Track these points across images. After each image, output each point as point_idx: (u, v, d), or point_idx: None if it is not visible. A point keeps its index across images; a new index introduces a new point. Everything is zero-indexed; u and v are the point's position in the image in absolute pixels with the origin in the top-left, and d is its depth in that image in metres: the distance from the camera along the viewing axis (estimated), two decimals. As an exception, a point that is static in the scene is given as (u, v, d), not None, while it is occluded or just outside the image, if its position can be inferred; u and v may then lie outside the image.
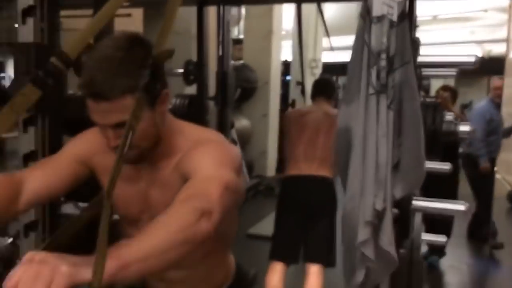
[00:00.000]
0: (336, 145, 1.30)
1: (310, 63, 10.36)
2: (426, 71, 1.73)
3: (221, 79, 3.17)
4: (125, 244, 0.87)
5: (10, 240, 2.38)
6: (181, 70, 3.06)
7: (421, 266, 1.65)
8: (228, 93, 3.26)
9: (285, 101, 9.96)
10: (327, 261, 3.01)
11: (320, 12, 9.33)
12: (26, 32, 1.63)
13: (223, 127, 3.23)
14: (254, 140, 8.19)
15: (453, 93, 4.84)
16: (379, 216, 1.16)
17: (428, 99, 1.74)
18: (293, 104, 10.19)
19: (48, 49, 1.63)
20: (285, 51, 9.92)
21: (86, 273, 0.78)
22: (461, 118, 4.77)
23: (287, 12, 9.36)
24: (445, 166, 1.74)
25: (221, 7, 3.04)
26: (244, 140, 7.65)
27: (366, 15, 1.13)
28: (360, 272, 1.21)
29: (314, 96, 3.19)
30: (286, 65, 10.05)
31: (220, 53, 3.09)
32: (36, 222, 1.83)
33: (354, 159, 1.17)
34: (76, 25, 3.03)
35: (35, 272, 0.75)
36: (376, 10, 1.07)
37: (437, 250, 4.47)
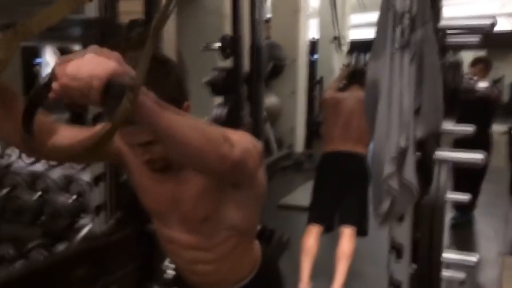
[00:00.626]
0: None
1: (335, 40, 10.42)
2: (449, 39, 1.90)
3: (254, 53, 3.39)
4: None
5: (74, 197, 2.69)
6: (218, 45, 3.27)
7: (443, 215, 1.84)
8: (261, 67, 3.50)
9: (313, 79, 10.10)
10: (359, 226, 3.27)
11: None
12: (91, 7, 1.87)
13: (257, 98, 3.45)
14: (283, 116, 8.37)
15: (486, 63, 4.90)
16: (402, 153, 1.37)
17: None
18: (320, 81, 10.31)
19: (111, 22, 1.87)
20: (312, 29, 10.00)
21: (130, 71, 0.81)
22: (494, 94, 4.81)
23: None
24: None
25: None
26: (273, 117, 7.84)
27: None
28: (386, 202, 1.42)
29: (349, 84, 3.52)
30: (313, 44, 10.13)
31: (253, 29, 3.31)
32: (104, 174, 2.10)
33: (381, 107, 1.38)
34: None
35: (88, 57, 0.79)
36: None
37: (466, 209, 4.71)
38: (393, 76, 1.36)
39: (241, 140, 1.09)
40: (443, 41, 1.74)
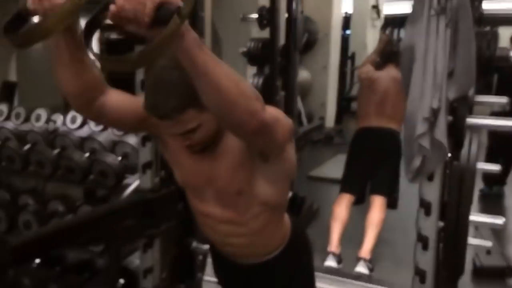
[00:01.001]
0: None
1: (371, 14, 10.28)
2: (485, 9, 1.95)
3: (290, 25, 3.47)
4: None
5: (119, 158, 2.87)
6: (255, 16, 3.36)
7: (473, 179, 1.92)
8: (297, 39, 3.58)
9: (345, 54, 10.04)
10: (389, 197, 3.37)
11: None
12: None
13: (291, 70, 3.55)
14: (314, 91, 8.40)
15: None
16: (435, 114, 1.45)
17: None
18: (352, 57, 10.25)
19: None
20: (345, 4, 9.89)
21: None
22: None
23: (349, -37, 9.29)
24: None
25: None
26: (304, 91, 7.89)
27: None
28: (417, 159, 1.52)
29: (384, 63, 3.55)
30: (346, 19, 10.03)
31: (289, 1, 3.39)
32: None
33: (416, 69, 1.47)
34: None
35: None
36: None
37: (496, 183, 4.79)
38: (429, 40, 1.44)
39: (273, 111, 1.13)
40: (479, 11, 1.79)
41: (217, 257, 1.59)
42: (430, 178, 1.70)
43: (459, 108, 1.73)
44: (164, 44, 0.86)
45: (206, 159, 1.32)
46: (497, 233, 4.02)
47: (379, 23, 10.62)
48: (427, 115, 1.46)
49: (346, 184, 3.53)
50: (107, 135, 3.06)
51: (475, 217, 2.03)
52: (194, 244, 2.51)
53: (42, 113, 3.37)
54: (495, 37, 1.92)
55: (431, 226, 1.77)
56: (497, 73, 4.71)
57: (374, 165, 3.44)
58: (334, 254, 3.14)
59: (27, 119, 3.38)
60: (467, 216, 1.91)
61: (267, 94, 3.31)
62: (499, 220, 2.09)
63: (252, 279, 1.51)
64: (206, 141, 1.26)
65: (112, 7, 0.85)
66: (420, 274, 1.79)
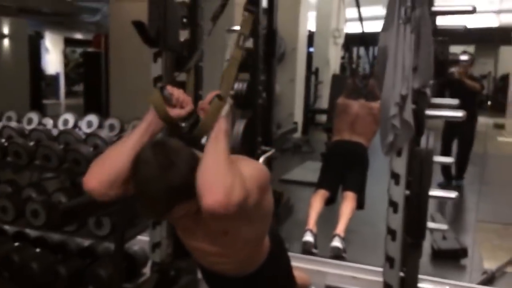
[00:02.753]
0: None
1: (333, 32, 10.93)
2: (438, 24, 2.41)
3: (271, 36, 3.90)
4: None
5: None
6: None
7: (431, 167, 2.36)
8: (275, 48, 4.03)
9: (309, 70, 10.62)
10: (358, 193, 3.90)
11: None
12: None
13: (272, 74, 3.97)
14: (282, 102, 8.88)
15: (471, 57, 5.73)
16: (403, 99, 1.89)
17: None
18: (316, 72, 10.83)
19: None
20: (310, 22, 10.46)
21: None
22: (477, 86, 5.47)
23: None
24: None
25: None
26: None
27: None
28: (390, 136, 1.95)
29: (356, 97, 4.28)
30: (310, 37, 10.60)
31: (270, 13, 3.83)
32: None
33: (389, 65, 1.90)
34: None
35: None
36: None
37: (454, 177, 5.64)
38: (398, 43, 1.89)
39: (247, 174, 1.31)
40: (434, 24, 2.26)
41: (205, 271, 1.75)
42: (399, 154, 2.13)
43: (420, 101, 2.18)
44: (212, 117, 1.33)
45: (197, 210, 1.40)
46: (452, 223, 4.57)
47: (341, 40, 11.30)
48: (397, 100, 1.90)
49: (322, 182, 4.10)
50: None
51: (433, 192, 2.48)
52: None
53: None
54: (447, 45, 2.39)
55: (399, 193, 2.19)
56: (449, 90, 5.40)
57: (345, 170, 4.05)
58: (311, 231, 3.63)
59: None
60: (427, 188, 2.35)
61: (250, 97, 3.71)
62: (452, 194, 2.55)
63: (240, 286, 1.68)
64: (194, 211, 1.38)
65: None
66: (391, 233, 2.22)
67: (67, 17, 10.82)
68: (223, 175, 1.23)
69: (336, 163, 4.14)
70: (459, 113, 2.40)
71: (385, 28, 1.94)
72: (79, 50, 16.38)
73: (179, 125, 1.44)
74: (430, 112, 2.32)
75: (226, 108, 1.37)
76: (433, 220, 4.19)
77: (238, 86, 3.91)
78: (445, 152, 5.37)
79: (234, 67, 1.43)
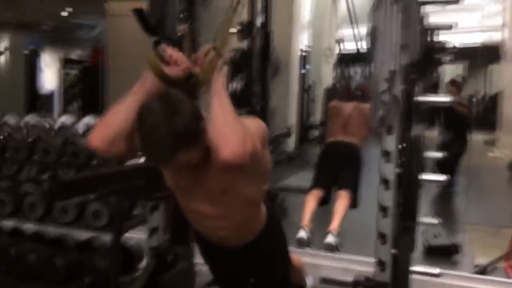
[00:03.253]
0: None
1: (325, 51, 11.16)
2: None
3: (266, 37, 4.05)
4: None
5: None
6: (235, 30, 3.91)
7: (422, 158, 2.47)
8: (270, 48, 4.19)
9: (303, 87, 10.79)
10: (352, 191, 3.97)
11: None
12: None
13: (267, 75, 4.12)
14: (277, 116, 8.96)
15: (458, 86, 6.29)
16: (392, 76, 2.00)
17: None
18: (308, 90, 11.00)
19: None
20: (304, 41, 10.64)
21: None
22: (464, 109, 5.81)
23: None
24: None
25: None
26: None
27: None
28: (381, 110, 2.05)
29: (348, 100, 4.40)
30: (303, 56, 10.78)
31: (266, 15, 3.99)
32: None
33: (379, 43, 2.01)
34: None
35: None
36: None
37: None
38: (387, 22, 2.00)
39: (252, 128, 1.44)
40: (419, 13, 2.37)
41: (202, 243, 1.80)
42: (389, 131, 2.22)
43: (410, 90, 2.28)
44: (209, 69, 1.39)
45: (199, 166, 1.49)
46: (444, 226, 4.64)
47: (332, 60, 11.53)
48: (386, 76, 2.00)
49: (316, 182, 4.17)
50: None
51: (425, 176, 2.57)
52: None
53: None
54: (434, 33, 2.51)
55: (390, 170, 2.27)
56: (443, 112, 5.77)
57: (338, 169, 4.11)
58: (305, 228, 3.68)
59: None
60: (418, 170, 2.44)
61: (246, 96, 3.84)
62: (442, 177, 2.64)
63: (236, 258, 1.73)
64: (192, 162, 1.45)
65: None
66: (383, 210, 2.29)
67: (65, 34, 10.98)
68: (235, 128, 1.33)
69: (330, 164, 4.20)
70: (446, 98, 2.51)
71: (375, 8, 2.06)
72: (73, 71, 16.52)
73: (175, 83, 1.47)
74: (419, 98, 2.44)
75: (222, 61, 1.44)
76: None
77: (233, 85, 4.05)
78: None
79: (228, 25, 1.55)
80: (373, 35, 2.07)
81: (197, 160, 1.43)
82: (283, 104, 9.19)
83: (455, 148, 5.83)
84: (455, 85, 6.17)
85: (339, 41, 11.23)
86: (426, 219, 3.03)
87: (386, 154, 2.26)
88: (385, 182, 2.28)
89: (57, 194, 1.96)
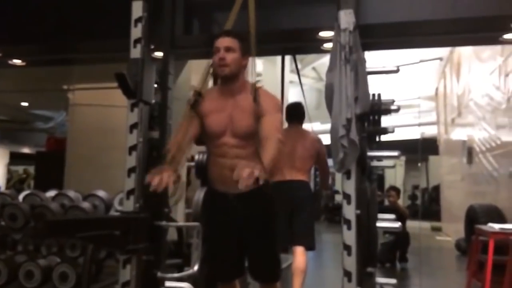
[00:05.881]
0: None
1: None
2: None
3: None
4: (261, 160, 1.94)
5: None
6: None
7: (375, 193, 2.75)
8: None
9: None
10: (308, 244, 3.93)
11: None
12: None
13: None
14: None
15: (397, 191, 7.06)
16: (349, 122, 2.31)
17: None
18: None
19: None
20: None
21: None
22: (404, 212, 6.72)
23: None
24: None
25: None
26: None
27: (337, 28, 2.41)
28: (340, 154, 2.33)
29: (289, 121, 4.04)
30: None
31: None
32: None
33: (335, 96, 2.34)
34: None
35: None
36: (343, 24, 2.36)
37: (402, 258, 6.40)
38: (341, 79, 2.37)
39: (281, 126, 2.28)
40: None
41: (213, 195, 2.44)
42: (348, 176, 2.50)
43: (362, 144, 2.61)
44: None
45: (228, 108, 2.29)
46: None
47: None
48: (344, 123, 2.32)
49: None
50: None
51: (380, 223, 2.83)
52: (159, 274, 2.95)
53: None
54: (380, 97, 2.91)
55: (351, 212, 2.51)
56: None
57: (291, 216, 3.84)
58: None
59: None
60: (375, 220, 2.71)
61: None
62: (396, 224, 2.89)
63: (239, 204, 2.31)
64: (232, 73, 2.27)
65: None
66: (347, 249, 2.48)
67: (21, 124, 11.02)
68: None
69: (282, 212, 3.60)
70: (395, 153, 2.85)
71: (330, 69, 2.44)
72: (20, 167, 16.27)
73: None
74: (370, 153, 2.77)
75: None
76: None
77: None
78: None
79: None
80: (329, 91, 2.42)
81: (233, 65, 2.26)
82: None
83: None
84: (395, 190, 6.94)
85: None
86: (384, 279, 3.21)
87: (346, 197, 2.51)
88: (347, 222, 2.50)
89: (42, 231, 2.04)
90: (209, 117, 2.31)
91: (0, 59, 3.89)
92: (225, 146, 2.29)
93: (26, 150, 15.28)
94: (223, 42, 2.25)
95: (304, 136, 3.94)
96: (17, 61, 4.03)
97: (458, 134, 10.08)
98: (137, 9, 2.94)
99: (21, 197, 3.78)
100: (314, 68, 13.01)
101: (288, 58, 6.17)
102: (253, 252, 2.43)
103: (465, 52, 8.78)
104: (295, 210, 3.87)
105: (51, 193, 3.81)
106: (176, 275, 3.07)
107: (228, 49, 2.25)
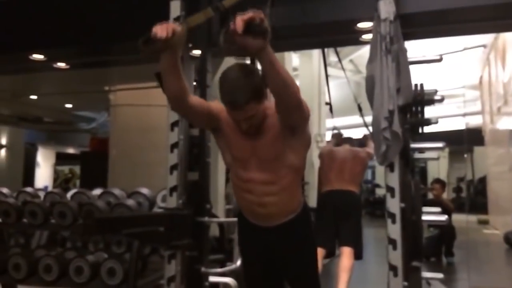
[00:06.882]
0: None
1: (315, 137, 11.65)
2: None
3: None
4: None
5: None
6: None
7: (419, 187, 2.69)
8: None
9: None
10: (355, 247, 3.98)
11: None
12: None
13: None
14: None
15: (443, 184, 6.73)
16: (391, 114, 2.26)
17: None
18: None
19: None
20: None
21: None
22: (449, 205, 6.37)
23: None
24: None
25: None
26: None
27: (377, 18, 2.35)
28: (383, 146, 2.28)
29: (342, 143, 4.47)
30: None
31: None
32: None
33: (377, 88, 2.30)
34: None
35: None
36: (383, 14, 2.30)
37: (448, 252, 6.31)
38: (383, 70, 2.31)
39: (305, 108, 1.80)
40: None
41: (244, 224, 2.09)
42: (392, 169, 2.45)
43: (406, 137, 2.55)
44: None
45: (252, 137, 1.90)
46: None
47: (323, 144, 12.00)
48: (387, 115, 2.27)
49: (318, 239, 4.08)
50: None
51: (425, 216, 2.76)
52: (203, 269, 2.99)
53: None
54: (423, 88, 2.83)
55: (395, 205, 2.46)
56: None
57: (338, 222, 4.06)
58: None
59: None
60: (420, 208, 2.64)
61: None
62: (442, 218, 2.81)
63: (274, 238, 1.99)
64: (258, 124, 1.86)
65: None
66: (392, 243, 2.44)
67: (66, 126, 11.38)
68: (294, 82, 1.72)
69: (328, 216, 4.09)
70: (440, 144, 2.77)
71: (370, 61, 2.39)
72: (66, 167, 16.82)
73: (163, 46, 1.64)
74: (414, 144, 2.70)
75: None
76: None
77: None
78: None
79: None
80: (370, 83, 2.37)
81: (258, 120, 1.85)
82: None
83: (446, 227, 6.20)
84: (440, 183, 6.68)
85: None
86: (430, 274, 3.14)
87: (390, 190, 2.46)
88: (391, 216, 2.45)
89: (92, 228, 2.11)
90: (229, 136, 1.96)
91: (45, 63, 4.01)
92: (250, 183, 1.97)
93: (71, 150, 15.80)
94: (239, 115, 1.84)
95: (353, 153, 4.24)
96: (61, 64, 4.14)
97: (505, 123, 9.70)
98: (175, 8, 2.98)
99: (69, 195, 3.90)
100: (351, 61, 12.82)
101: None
102: (293, 281, 2.14)
103: (510, 38, 8.43)
104: (343, 216, 4.04)
105: (97, 191, 3.91)
106: (219, 270, 3.12)
107: (249, 118, 1.85)
